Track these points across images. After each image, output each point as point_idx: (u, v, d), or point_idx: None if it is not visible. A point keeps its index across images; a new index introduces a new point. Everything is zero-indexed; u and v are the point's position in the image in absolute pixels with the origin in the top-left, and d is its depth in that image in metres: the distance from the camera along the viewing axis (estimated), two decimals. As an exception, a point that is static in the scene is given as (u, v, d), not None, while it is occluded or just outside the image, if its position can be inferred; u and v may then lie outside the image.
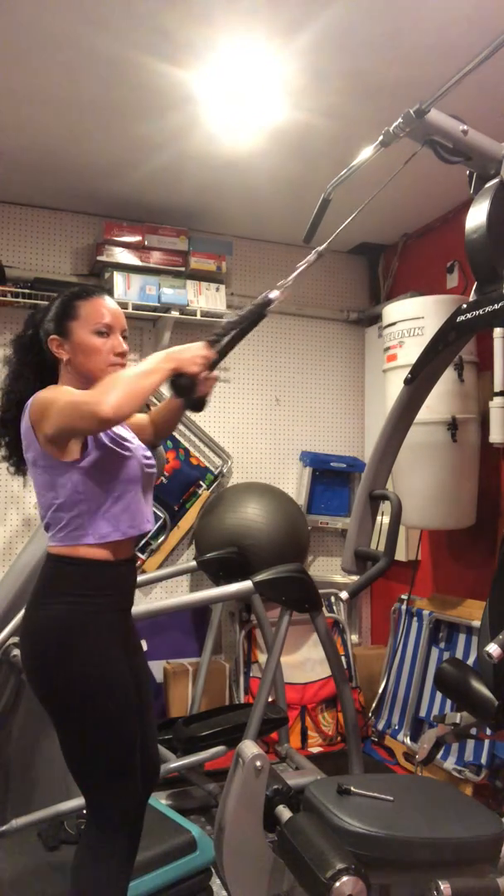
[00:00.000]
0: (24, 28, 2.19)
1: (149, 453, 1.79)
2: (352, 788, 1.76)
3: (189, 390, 1.66)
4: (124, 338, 1.76)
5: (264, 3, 2.07)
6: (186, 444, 3.76)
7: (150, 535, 3.58)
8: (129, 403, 1.49)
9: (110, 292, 3.40)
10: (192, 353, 1.62)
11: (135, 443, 1.76)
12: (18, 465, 1.79)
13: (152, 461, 1.79)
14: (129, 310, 3.42)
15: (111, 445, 1.65)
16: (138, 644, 1.85)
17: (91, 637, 1.61)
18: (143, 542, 3.56)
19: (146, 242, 3.48)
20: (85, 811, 1.88)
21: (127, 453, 1.68)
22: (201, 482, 3.72)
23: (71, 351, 1.70)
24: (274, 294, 1.85)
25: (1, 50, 2.30)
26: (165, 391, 1.71)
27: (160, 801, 2.47)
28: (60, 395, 1.57)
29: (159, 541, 3.61)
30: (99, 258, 3.42)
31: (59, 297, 1.76)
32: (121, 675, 1.63)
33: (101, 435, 1.64)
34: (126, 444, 1.70)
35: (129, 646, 1.74)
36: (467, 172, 2.12)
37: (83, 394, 1.53)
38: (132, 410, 1.52)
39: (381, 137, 1.99)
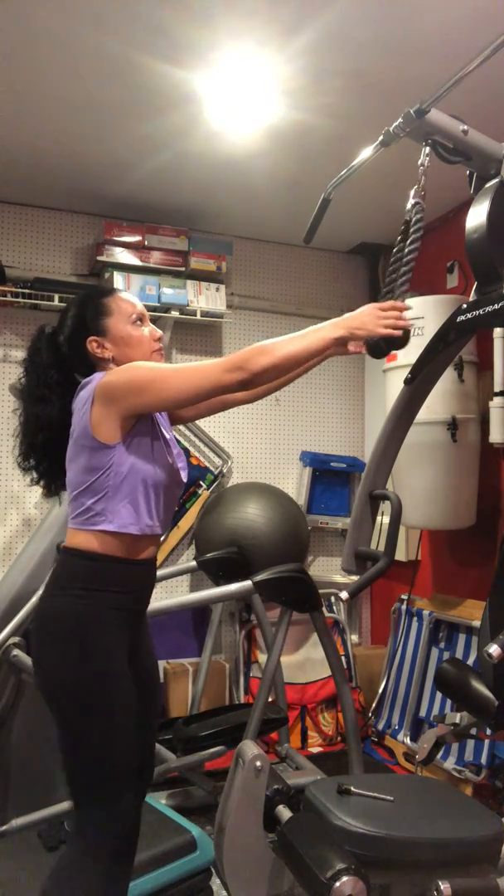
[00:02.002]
0: (24, 27, 2.19)
1: (184, 465, 1.79)
2: (352, 788, 1.76)
3: (391, 346, 1.70)
4: (153, 325, 1.81)
5: (264, 3, 2.07)
6: (186, 444, 3.76)
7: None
8: (276, 368, 1.56)
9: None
10: (364, 316, 1.64)
11: (175, 449, 1.76)
12: (57, 488, 1.81)
13: (184, 475, 1.78)
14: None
15: (157, 440, 1.67)
16: (148, 648, 1.83)
17: (96, 632, 1.59)
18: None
19: (146, 242, 3.48)
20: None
21: (167, 456, 1.69)
22: (201, 482, 3.72)
23: (114, 347, 1.71)
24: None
25: (1, 49, 2.30)
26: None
27: (160, 801, 2.47)
28: (157, 368, 1.60)
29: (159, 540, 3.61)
30: (99, 258, 3.42)
31: (75, 304, 1.75)
32: (123, 676, 1.61)
33: (157, 424, 1.67)
34: (170, 446, 1.72)
35: (138, 647, 1.73)
36: (467, 172, 2.12)
37: (212, 362, 1.58)
38: (276, 377, 1.61)
39: (381, 137, 1.99)
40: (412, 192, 1.96)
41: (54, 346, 1.75)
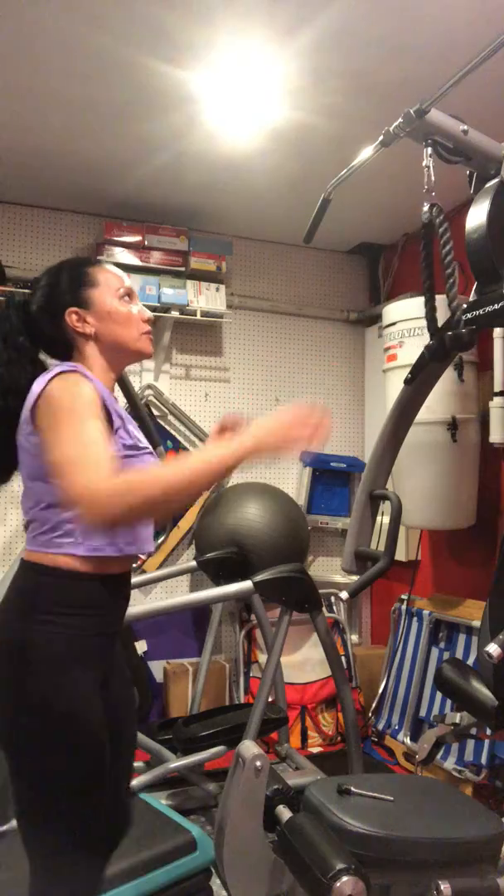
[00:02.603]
0: (24, 28, 2.19)
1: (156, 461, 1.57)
2: (352, 788, 1.76)
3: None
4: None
5: (264, 3, 2.07)
6: (186, 445, 3.76)
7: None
8: (137, 515, 1.23)
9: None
10: (277, 428, 1.31)
11: (147, 449, 1.53)
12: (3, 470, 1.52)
13: None
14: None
15: (127, 450, 1.43)
16: (123, 676, 1.60)
17: (59, 664, 1.33)
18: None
19: (146, 242, 3.48)
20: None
21: (138, 461, 1.45)
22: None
23: (97, 322, 1.49)
24: None
25: (1, 50, 2.30)
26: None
27: (160, 801, 2.46)
28: (73, 428, 1.27)
29: (159, 541, 3.61)
30: (99, 258, 3.42)
31: (50, 272, 1.54)
32: (92, 714, 1.35)
33: (124, 430, 1.44)
34: (142, 449, 1.48)
35: (111, 677, 1.48)
36: (467, 172, 2.12)
37: (95, 455, 1.23)
38: (137, 521, 1.31)
39: (381, 137, 1.99)
40: (425, 196, 1.98)
41: (24, 314, 1.52)
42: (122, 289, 1.53)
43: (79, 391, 1.33)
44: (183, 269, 3.55)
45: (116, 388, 2.58)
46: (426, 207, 1.98)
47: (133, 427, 1.52)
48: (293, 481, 4.02)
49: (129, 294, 1.56)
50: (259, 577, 2.40)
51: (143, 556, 1.53)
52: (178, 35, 2.22)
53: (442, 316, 2.12)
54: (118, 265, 3.41)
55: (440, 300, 3.25)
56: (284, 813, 1.81)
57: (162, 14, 2.12)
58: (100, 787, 1.37)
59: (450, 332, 1.98)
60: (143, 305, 1.59)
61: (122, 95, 2.56)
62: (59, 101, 2.60)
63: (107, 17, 2.14)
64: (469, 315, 2.00)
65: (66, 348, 1.52)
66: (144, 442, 1.51)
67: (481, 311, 1.96)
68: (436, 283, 2.10)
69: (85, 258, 1.62)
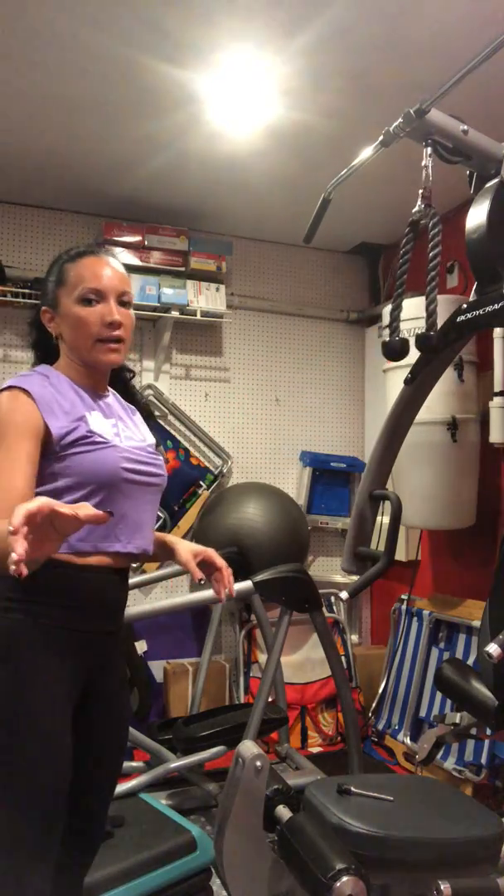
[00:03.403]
0: (24, 27, 2.19)
1: (151, 458, 1.48)
2: (352, 788, 1.76)
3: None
4: (124, 304, 1.45)
5: (264, 3, 2.07)
6: (186, 445, 3.76)
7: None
8: None
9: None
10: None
11: (126, 441, 1.44)
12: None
13: (153, 468, 1.47)
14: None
15: (80, 444, 1.35)
16: (111, 688, 1.45)
17: (15, 658, 1.26)
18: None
19: (146, 242, 3.48)
20: None
21: (96, 454, 1.35)
22: (201, 482, 3.72)
23: (62, 323, 1.43)
24: None
25: (2, 49, 2.30)
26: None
27: (160, 801, 2.47)
28: None
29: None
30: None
31: (50, 264, 1.52)
32: (48, 713, 1.27)
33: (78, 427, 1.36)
34: (101, 443, 1.36)
35: (99, 689, 1.39)
36: (467, 172, 2.12)
37: None
38: None
39: (381, 137, 1.99)
40: (420, 195, 1.97)
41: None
42: (80, 288, 1.40)
43: (6, 411, 1.31)
44: (183, 269, 3.55)
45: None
46: (419, 205, 1.97)
47: (109, 419, 1.45)
48: (293, 481, 4.02)
49: (98, 294, 1.41)
50: (259, 577, 2.40)
51: (118, 552, 1.40)
52: (179, 35, 2.22)
53: (442, 316, 2.11)
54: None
55: (441, 300, 3.25)
56: (284, 813, 1.81)
57: (162, 14, 2.12)
58: (47, 796, 1.25)
59: (418, 333, 1.96)
60: (119, 308, 1.43)
61: (123, 95, 2.56)
62: (59, 100, 2.60)
63: (107, 17, 2.14)
64: (469, 315, 2.00)
65: (48, 347, 1.51)
66: (109, 435, 1.39)
67: (481, 311, 1.96)
68: (418, 281, 2.08)
69: (76, 249, 1.49)
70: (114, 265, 1.46)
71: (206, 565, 1.50)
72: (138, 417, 1.60)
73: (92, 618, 1.36)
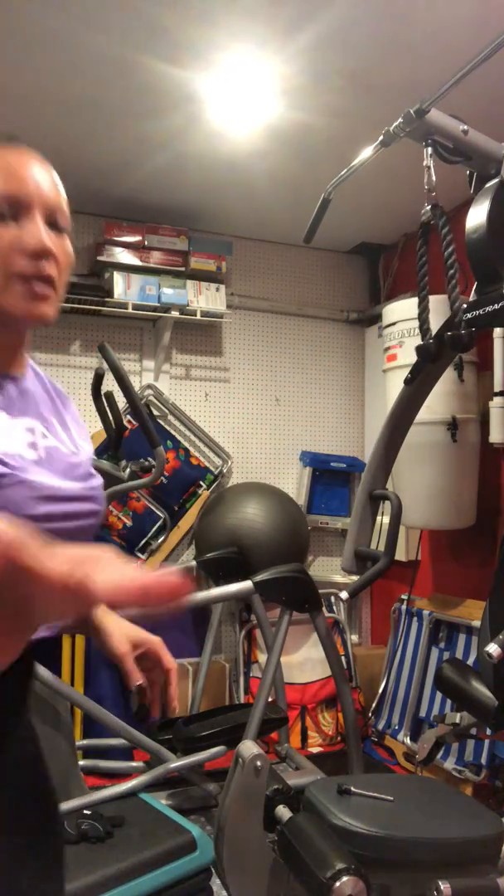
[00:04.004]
0: (23, 27, 2.19)
1: (84, 487, 0.90)
2: (352, 788, 1.76)
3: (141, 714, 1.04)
4: (58, 230, 0.93)
5: (264, 2, 2.07)
6: (187, 445, 3.76)
7: (150, 535, 3.58)
8: None
9: (110, 293, 3.40)
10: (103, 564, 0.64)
11: (48, 460, 0.88)
12: None
13: (86, 505, 0.90)
14: (130, 310, 3.42)
15: None
16: (29, 735, 0.97)
17: None
18: (143, 541, 3.56)
19: (146, 242, 3.48)
20: (86, 811, 1.77)
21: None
22: (201, 482, 3.72)
23: None
24: None
25: (1, 49, 2.30)
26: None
27: (160, 801, 2.47)
28: None
29: (159, 541, 3.61)
30: (99, 258, 3.42)
31: None
32: None
33: None
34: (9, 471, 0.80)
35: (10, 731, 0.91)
36: (467, 172, 2.12)
37: None
38: None
39: (381, 137, 1.99)
40: (426, 196, 1.98)
41: None
42: None
43: None
44: (183, 269, 3.55)
45: (115, 386, 2.59)
46: (427, 208, 1.98)
47: (20, 417, 0.90)
48: (293, 481, 4.02)
49: (13, 205, 0.88)
50: (259, 577, 2.40)
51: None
52: (178, 35, 2.22)
53: (442, 316, 2.12)
54: (118, 265, 3.44)
55: (441, 300, 3.25)
56: (284, 813, 1.81)
57: (162, 14, 2.12)
58: None
59: (449, 333, 1.98)
60: (50, 232, 0.90)
61: (123, 95, 2.56)
62: (59, 101, 2.60)
63: (106, 17, 2.14)
64: (469, 315, 2.00)
65: None
66: (17, 451, 0.84)
67: (481, 311, 1.96)
68: (431, 284, 2.10)
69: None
70: (43, 167, 0.96)
71: (146, 660, 1.11)
72: (72, 410, 1.04)
73: None
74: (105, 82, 2.48)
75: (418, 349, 2.11)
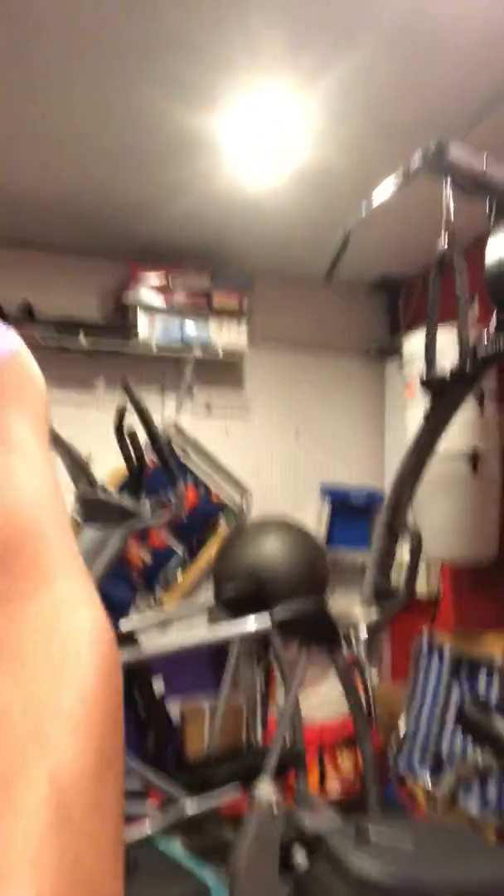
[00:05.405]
0: (50, 78, 2.26)
1: None
2: (370, 834, 1.70)
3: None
4: None
5: (286, 52, 2.11)
6: (206, 481, 3.74)
7: (169, 570, 3.56)
8: None
9: (135, 333, 3.43)
10: None
11: None
12: None
13: None
14: (154, 351, 3.46)
15: None
16: None
17: None
18: (161, 577, 3.54)
19: (170, 283, 3.51)
20: None
21: None
22: (220, 518, 3.70)
23: None
24: None
25: (28, 99, 2.37)
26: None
27: (176, 845, 2.41)
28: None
29: (178, 576, 3.58)
30: (124, 300, 3.45)
31: None
32: None
33: None
34: None
35: None
36: (486, 200, 2.12)
37: None
38: None
39: (399, 177, 2.00)
40: (444, 231, 1.99)
41: None
42: None
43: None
44: (206, 307, 3.57)
45: (135, 420, 2.59)
46: (443, 242, 1.98)
47: None
48: (313, 514, 3.98)
49: None
50: (278, 613, 2.37)
51: None
52: (203, 86, 2.27)
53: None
54: (143, 306, 3.44)
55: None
56: (301, 857, 1.75)
57: (189, 68, 2.18)
58: None
59: (453, 366, 1.99)
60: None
61: (148, 143, 2.62)
62: (85, 148, 2.67)
63: (131, 70, 2.20)
64: (490, 349, 1.99)
65: None
66: None
67: (501, 345, 1.95)
68: (454, 316, 2.09)
69: None
70: None
71: None
72: None
73: None
74: (130, 130, 2.54)
75: (421, 382, 2.09)
